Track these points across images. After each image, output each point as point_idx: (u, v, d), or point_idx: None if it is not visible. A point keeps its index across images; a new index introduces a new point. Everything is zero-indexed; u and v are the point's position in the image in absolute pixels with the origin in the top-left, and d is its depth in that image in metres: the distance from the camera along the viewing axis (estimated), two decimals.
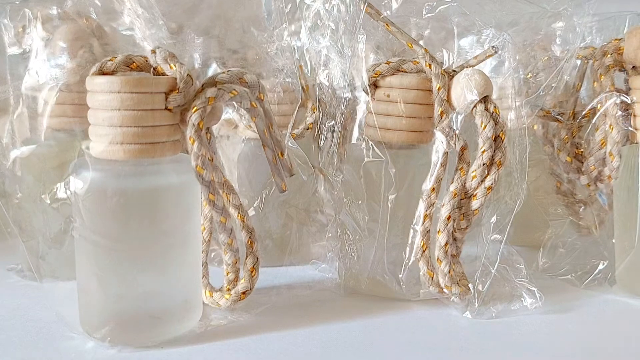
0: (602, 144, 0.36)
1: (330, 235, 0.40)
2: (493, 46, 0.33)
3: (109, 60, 0.31)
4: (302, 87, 0.41)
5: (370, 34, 0.38)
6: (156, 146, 0.29)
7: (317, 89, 0.39)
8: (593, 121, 0.36)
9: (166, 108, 0.29)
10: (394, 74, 0.35)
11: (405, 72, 0.35)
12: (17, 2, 0.39)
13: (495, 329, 0.33)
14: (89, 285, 0.30)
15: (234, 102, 0.31)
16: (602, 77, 0.36)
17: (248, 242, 0.33)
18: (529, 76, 0.39)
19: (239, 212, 0.33)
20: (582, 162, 0.38)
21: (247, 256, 0.33)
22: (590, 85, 0.37)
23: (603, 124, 0.36)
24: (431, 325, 0.33)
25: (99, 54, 0.39)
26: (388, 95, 0.35)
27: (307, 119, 0.42)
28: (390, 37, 0.38)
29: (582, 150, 0.39)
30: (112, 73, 0.31)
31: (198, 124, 0.29)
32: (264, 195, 0.38)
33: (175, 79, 0.30)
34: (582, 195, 0.40)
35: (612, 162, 0.36)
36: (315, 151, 0.41)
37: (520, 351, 0.31)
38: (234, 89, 0.31)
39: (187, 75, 0.30)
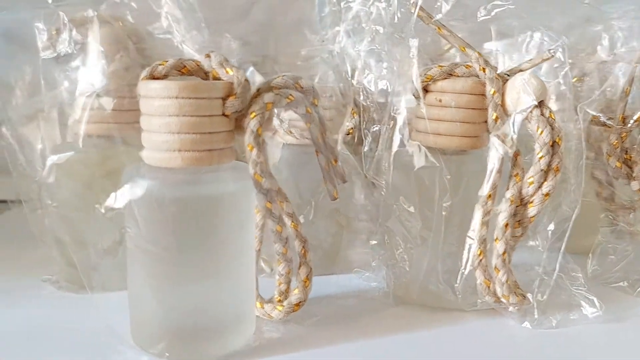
0: None
1: (374, 242, 0.39)
2: (550, 50, 0.32)
3: (159, 65, 0.30)
4: (341, 92, 0.40)
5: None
6: (213, 153, 0.28)
7: (360, 93, 0.38)
8: None
9: (223, 114, 0.28)
10: (445, 78, 0.34)
11: (458, 76, 0.34)
12: (51, 5, 0.38)
13: (556, 339, 0.32)
14: (143, 297, 0.29)
15: (290, 108, 0.30)
16: None
17: (301, 251, 0.32)
18: (575, 80, 0.39)
19: (292, 221, 0.31)
20: (631, 168, 0.38)
21: (300, 266, 0.32)
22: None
23: None
24: (489, 336, 0.32)
25: (135, 58, 0.38)
26: (440, 100, 0.34)
27: (347, 124, 0.41)
28: (427, 41, 0.37)
29: (631, 155, 0.38)
30: (163, 77, 0.30)
31: (257, 130, 0.28)
32: (313, 203, 0.37)
33: (231, 83, 0.29)
34: (624, 201, 0.39)
35: None
36: (355, 157, 0.40)
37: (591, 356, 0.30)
38: (291, 94, 0.30)
39: (245, 80, 0.29)
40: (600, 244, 0.39)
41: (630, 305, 0.36)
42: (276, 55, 0.41)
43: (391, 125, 0.36)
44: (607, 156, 0.37)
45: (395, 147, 0.35)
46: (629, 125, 0.37)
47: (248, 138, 0.29)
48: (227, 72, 0.29)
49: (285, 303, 0.32)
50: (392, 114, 0.35)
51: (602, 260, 0.39)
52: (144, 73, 0.30)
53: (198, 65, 0.30)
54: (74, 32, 0.38)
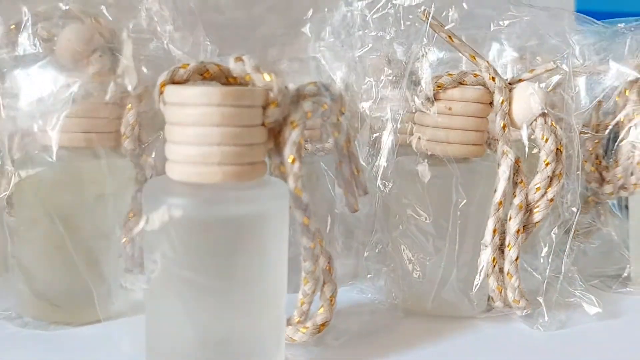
0: (629, 155, 0.38)
1: (367, 254, 0.38)
2: (554, 61, 0.34)
3: (180, 68, 0.26)
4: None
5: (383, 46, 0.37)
6: (254, 167, 0.26)
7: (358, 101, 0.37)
8: (622, 135, 0.38)
9: (262, 124, 0.26)
10: (455, 87, 0.34)
11: (467, 84, 0.34)
12: None
13: (566, 339, 0.33)
14: (170, 327, 0.25)
15: (323, 117, 0.28)
16: (627, 91, 0.38)
17: (327, 267, 0.30)
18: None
19: (318, 237, 0.30)
20: (601, 173, 0.41)
21: (324, 283, 0.30)
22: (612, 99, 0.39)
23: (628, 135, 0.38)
24: (505, 340, 0.33)
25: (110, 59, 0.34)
26: (450, 109, 0.34)
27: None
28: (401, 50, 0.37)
29: (601, 161, 0.41)
30: (184, 82, 0.27)
31: (299, 141, 0.26)
32: (329, 219, 0.36)
33: (269, 90, 0.26)
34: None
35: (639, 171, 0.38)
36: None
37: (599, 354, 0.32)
38: (325, 102, 0.28)
39: (285, 87, 0.26)
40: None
41: (614, 300, 0.38)
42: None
43: (393, 133, 0.35)
44: (584, 162, 0.40)
45: (404, 155, 0.35)
46: (602, 133, 0.40)
47: (290, 149, 0.26)
48: (264, 78, 0.26)
49: (309, 324, 0.30)
50: (394, 124, 0.35)
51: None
52: (162, 77, 0.26)
53: (220, 69, 0.27)
54: (39, 27, 0.33)
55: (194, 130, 0.24)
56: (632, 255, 0.41)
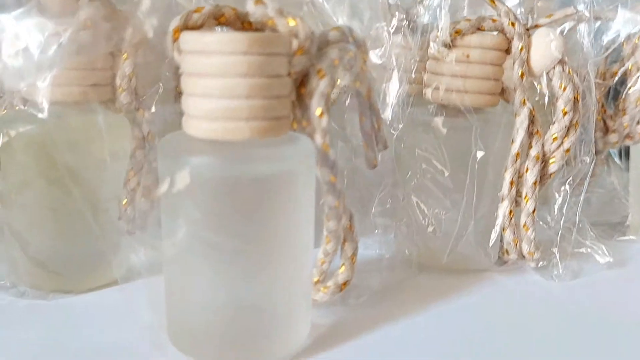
0: (637, 103, 0.38)
1: (375, 210, 0.37)
2: (575, 6, 0.32)
3: (194, 12, 0.24)
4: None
5: None
6: (281, 122, 0.24)
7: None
8: (629, 83, 0.38)
9: (288, 74, 0.24)
10: (473, 33, 0.32)
11: (485, 30, 0.33)
12: None
13: (579, 288, 0.33)
14: (193, 293, 0.24)
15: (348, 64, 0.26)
16: (637, 38, 0.38)
17: (348, 226, 0.29)
18: None
19: (342, 195, 0.28)
20: (606, 121, 0.40)
21: (344, 242, 0.29)
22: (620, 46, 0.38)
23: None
24: (521, 292, 0.33)
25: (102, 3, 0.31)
26: (468, 56, 0.32)
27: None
28: None
29: (606, 109, 0.40)
30: (199, 28, 0.24)
31: (328, 92, 0.24)
32: (345, 173, 0.34)
33: (295, 36, 0.24)
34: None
35: None
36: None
37: (617, 300, 0.32)
38: (350, 50, 0.26)
39: (312, 32, 0.24)
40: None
41: (620, 248, 0.38)
42: None
43: (406, 82, 0.34)
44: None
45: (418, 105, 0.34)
46: (608, 81, 0.39)
47: (318, 102, 0.24)
48: (289, 22, 0.24)
49: (330, 283, 0.29)
50: (413, 69, 0.33)
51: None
52: (175, 23, 0.24)
53: (236, 13, 0.25)
54: None
55: (218, 81, 0.22)
56: (632, 203, 0.41)
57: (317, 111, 0.24)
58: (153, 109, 0.31)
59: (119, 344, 0.26)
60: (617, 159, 0.42)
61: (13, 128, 0.29)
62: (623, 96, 0.38)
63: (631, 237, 0.40)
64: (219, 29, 0.26)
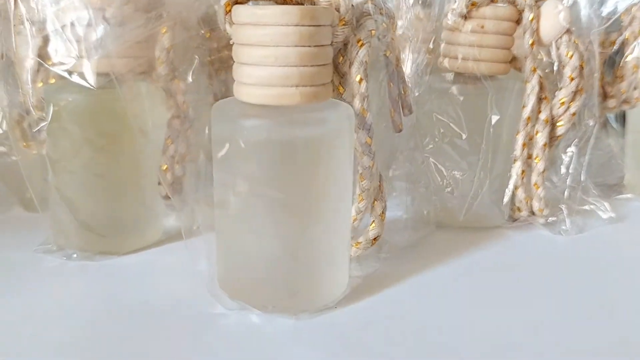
0: (634, 70, 0.41)
1: (392, 174, 0.39)
2: None
3: None
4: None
5: None
6: (326, 88, 0.26)
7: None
8: (627, 51, 0.40)
9: (330, 43, 0.26)
10: (487, 5, 0.34)
11: (497, 2, 0.35)
12: None
13: (585, 242, 0.36)
14: (246, 245, 0.26)
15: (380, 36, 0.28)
16: (633, 8, 0.40)
17: (379, 185, 0.31)
18: None
19: (375, 156, 0.30)
20: (604, 87, 0.43)
21: (374, 200, 0.31)
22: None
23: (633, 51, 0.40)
24: (532, 246, 0.35)
25: None
26: (482, 27, 0.35)
27: None
28: None
29: (604, 76, 0.43)
30: (246, 2, 0.26)
31: (366, 61, 0.27)
32: None
33: (337, 9, 0.26)
34: None
35: None
36: None
37: (619, 251, 0.35)
38: (384, 21, 0.28)
39: (352, 5, 0.26)
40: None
41: (617, 205, 0.41)
42: None
43: (424, 51, 0.36)
44: None
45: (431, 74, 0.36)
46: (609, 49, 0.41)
47: (357, 69, 0.27)
48: None
49: (361, 239, 0.32)
50: (431, 42, 0.35)
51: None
52: None
53: None
54: None
55: (272, 51, 0.24)
56: (629, 164, 0.44)
57: (357, 77, 0.27)
58: (190, 79, 0.33)
59: (173, 296, 0.29)
60: (613, 123, 0.45)
61: (62, 98, 0.30)
62: (621, 64, 0.41)
63: (628, 195, 0.43)
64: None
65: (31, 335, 0.26)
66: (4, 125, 0.36)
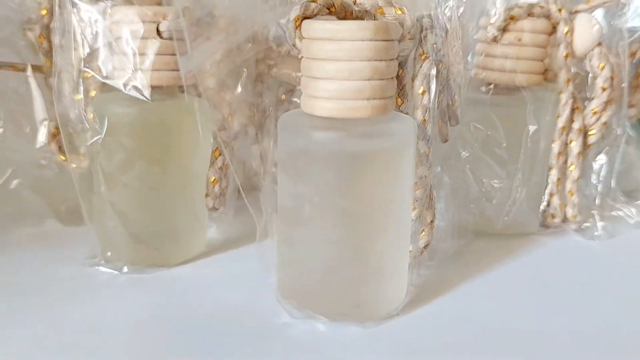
0: None
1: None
2: None
3: (311, 2, 0.26)
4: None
5: None
6: (392, 100, 0.26)
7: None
8: None
9: (397, 57, 0.27)
10: (525, 19, 0.36)
11: (535, 16, 0.36)
12: None
13: (617, 246, 0.37)
14: (310, 255, 0.27)
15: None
16: None
17: (429, 195, 0.32)
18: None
19: (431, 167, 0.31)
20: None
21: (425, 209, 0.32)
22: None
23: None
24: (568, 251, 0.36)
25: None
26: (520, 39, 0.36)
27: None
28: None
29: None
30: (314, 17, 0.26)
31: (428, 73, 0.27)
32: None
33: (402, 24, 0.27)
34: None
35: None
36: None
37: None
38: (442, 36, 0.29)
39: (416, 19, 0.27)
40: None
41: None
42: None
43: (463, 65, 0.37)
44: None
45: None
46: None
47: (421, 82, 0.27)
48: (397, 11, 0.27)
49: (412, 247, 0.32)
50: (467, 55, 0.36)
51: None
52: (296, 12, 0.26)
53: (342, 4, 0.27)
54: None
55: (347, 65, 0.25)
56: None
57: (420, 90, 0.27)
58: (239, 90, 0.33)
59: (234, 307, 0.29)
60: (630, 131, 0.47)
61: (117, 111, 0.30)
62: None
63: None
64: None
65: (96, 349, 0.26)
66: (44, 138, 0.36)
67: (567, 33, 0.36)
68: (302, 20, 0.26)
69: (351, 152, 0.25)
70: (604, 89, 0.36)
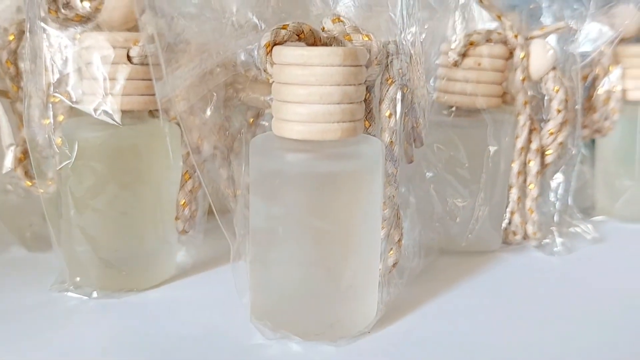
0: (605, 102, 0.44)
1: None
2: (566, 22, 0.38)
3: (281, 29, 0.27)
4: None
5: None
6: (360, 123, 0.27)
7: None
8: (599, 84, 0.44)
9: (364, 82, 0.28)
10: (483, 44, 0.37)
11: (492, 42, 0.38)
12: None
13: (576, 262, 0.39)
14: (284, 275, 0.27)
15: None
16: (602, 46, 0.44)
17: (396, 213, 0.33)
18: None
19: (397, 186, 0.32)
20: None
21: (392, 228, 0.33)
22: None
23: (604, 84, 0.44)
24: (528, 267, 0.38)
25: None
26: (479, 64, 0.37)
27: None
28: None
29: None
30: (283, 43, 0.27)
31: (395, 97, 0.28)
32: None
33: (369, 50, 0.28)
34: None
35: (613, 116, 0.44)
36: None
37: (606, 269, 0.38)
38: (406, 61, 0.30)
39: (383, 46, 0.28)
40: None
41: (598, 226, 0.44)
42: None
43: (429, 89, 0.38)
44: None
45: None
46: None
47: (387, 105, 0.28)
48: (364, 37, 0.28)
49: (381, 266, 0.33)
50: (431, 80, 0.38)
51: None
52: (267, 38, 0.27)
53: (311, 30, 0.28)
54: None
55: (317, 89, 0.25)
56: (599, 189, 0.48)
57: (387, 113, 0.28)
58: (208, 114, 0.34)
59: (207, 329, 0.29)
60: (583, 150, 0.49)
61: (87, 135, 0.30)
62: (593, 96, 0.45)
63: (599, 217, 0.46)
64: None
65: None
66: (10, 164, 0.35)
67: (523, 58, 0.38)
68: (272, 47, 0.27)
69: (322, 173, 0.26)
70: (559, 111, 0.38)
